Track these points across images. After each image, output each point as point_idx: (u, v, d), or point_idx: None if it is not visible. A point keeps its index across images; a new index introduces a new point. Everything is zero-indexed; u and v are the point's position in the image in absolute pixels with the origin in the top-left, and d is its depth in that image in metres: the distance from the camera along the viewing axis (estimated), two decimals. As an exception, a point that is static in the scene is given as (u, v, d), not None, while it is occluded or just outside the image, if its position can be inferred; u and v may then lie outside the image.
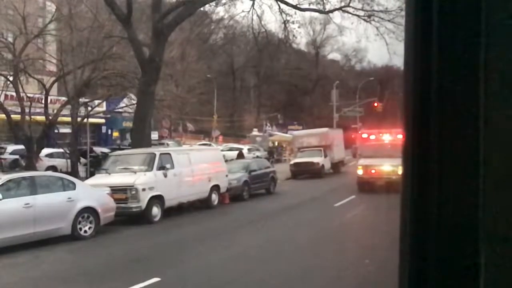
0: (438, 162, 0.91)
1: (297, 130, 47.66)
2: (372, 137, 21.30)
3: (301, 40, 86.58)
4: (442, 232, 0.92)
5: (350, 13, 23.45)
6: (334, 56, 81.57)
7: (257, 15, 40.33)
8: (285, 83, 69.86)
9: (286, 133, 51.96)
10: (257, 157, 31.33)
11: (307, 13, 33.05)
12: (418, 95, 0.93)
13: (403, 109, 0.95)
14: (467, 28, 0.89)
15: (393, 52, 27.03)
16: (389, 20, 22.31)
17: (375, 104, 43.99)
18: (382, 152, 19.04)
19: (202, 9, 29.69)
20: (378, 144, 20.00)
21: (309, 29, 70.51)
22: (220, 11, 62.31)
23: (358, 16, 23.36)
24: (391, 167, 18.11)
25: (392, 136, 20.17)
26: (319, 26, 71.45)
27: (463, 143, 0.90)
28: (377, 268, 7.35)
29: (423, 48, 0.92)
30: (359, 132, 23.58)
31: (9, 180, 10.76)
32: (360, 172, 19.32)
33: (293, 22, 26.30)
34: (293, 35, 28.25)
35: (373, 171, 18.87)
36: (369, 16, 22.93)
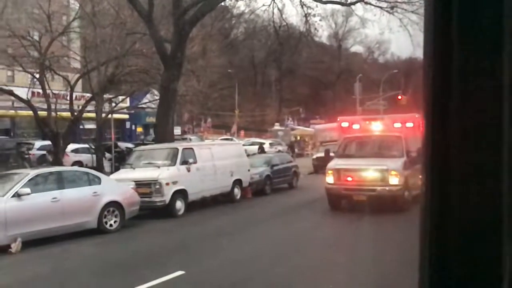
0: (459, 157, 0.89)
1: (319, 124, 47.36)
2: (356, 126, 15.29)
3: (323, 33, 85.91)
4: (464, 232, 0.89)
5: (372, 4, 23.10)
6: (357, 48, 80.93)
7: (278, 9, 40.20)
8: (307, 76, 69.49)
9: (308, 127, 51.73)
10: (279, 151, 31.32)
11: (329, 6, 32.72)
12: (439, 87, 0.91)
13: (423, 102, 0.93)
14: (488, 17, 0.87)
15: (417, 44, 26.55)
16: (412, 11, 21.90)
17: (399, 97, 43.28)
18: (368, 149, 13.78)
19: (222, 4, 29.71)
20: (363, 138, 14.44)
21: (331, 22, 69.97)
22: (241, 6, 62.46)
23: (381, 7, 22.99)
24: (377, 173, 12.44)
25: (385, 126, 14.54)
26: (341, 19, 70.87)
27: (486, 135, 0.88)
28: (399, 265, 7.27)
29: (443, 38, 0.90)
30: (338, 120, 16.63)
31: (37, 175, 11.02)
32: (329, 179, 13.02)
33: (314, 15, 26.03)
34: (315, 28, 28.04)
35: (349, 178, 12.77)
36: (392, 8, 22.53)
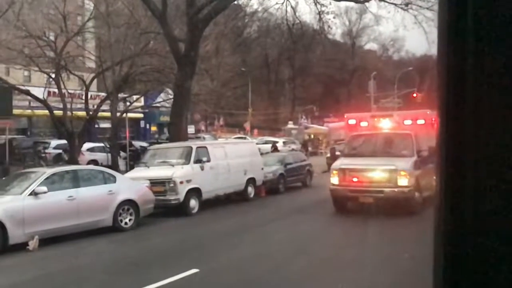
0: (474, 155, 0.88)
1: (333, 122, 47.15)
2: (363, 123, 14.49)
3: (336, 30, 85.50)
4: (480, 229, 0.88)
5: (386, 1, 22.89)
6: (371, 46, 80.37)
7: (291, 7, 39.93)
8: (321, 74, 69.23)
9: (322, 125, 51.55)
10: (293, 150, 31.27)
11: (343, 3, 32.57)
12: (453, 85, 0.90)
13: (437, 100, 0.92)
14: (503, 13, 0.85)
15: (432, 41, 26.15)
16: (427, 8, 21.64)
17: (414, 95, 42.92)
18: (376, 147, 12.86)
19: (236, 2, 29.72)
20: (370, 136, 13.55)
21: (344, 19, 69.65)
22: (254, 4, 62.50)
23: (395, 4, 22.77)
24: (385, 173, 11.73)
25: (395, 123, 13.81)
26: (355, 16, 70.53)
27: (502, 133, 0.86)
28: (416, 262, 7.21)
29: (457, 34, 0.88)
30: (345, 116, 15.64)
31: (54, 174, 11.16)
32: (334, 180, 12.41)
33: (328, 13, 25.89)
34: (328, 26, 27.88)
35: (355, 179, 12.10)
36: (406, 4, 22.31)
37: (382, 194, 11.54)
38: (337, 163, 12.74)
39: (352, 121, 14.90)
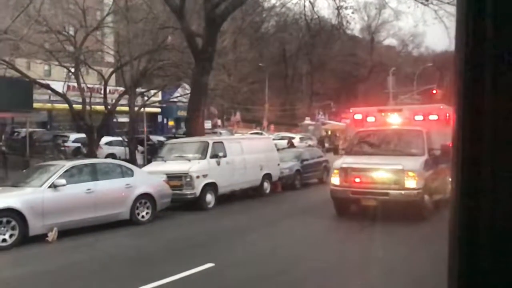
0: (492, 153, 0.86)
1: (351, 118, 46.78)
2: (370, 118, 13.37)
3: (355, 26, 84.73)
4: (495, 229, 0.86)
5: (406, -4, 22.58)
6: (390, 41, 79.49)
7: (310, 2, 39.41)
8: (339, 70, 68.73)
9: (340, 121, 51.25)
10: (309, 146, 31.18)
11: (361, -2, 32.15)
12: (471, 81, 0.88)
13: (454, 97, 0.90)
14: None
15: (453, 36, 25.70)
16: (448, 3, 21.27)
17: (434, 91, 42.34)
18: (382, 145, 11.89)
19: (254, -3, 29.65)
20: (377, 132, 12.49)
21: (363, 15, 68.95)
22: (272, -1, 62.06)
23: (415, -1, 22.43)
24: (390, 173, 10.74)
25: (405, 118, 12.75)
26: (374, 11, 69.70)
27: None
28: (433, 262, 7.14)
29: (475, 30, 0.86)
30: (351, 111, 14.55)
31: (72, 167, 11.32)
32: (335, 180, 11.49)
33: (346, 8, 25.66)
34: (347, 21, 27.67)
35: (357, 179, 11.13)
36: (426, -1, 21.96)
37: (387, 197, 10.57)
38: (339, 162, 11.69)
39: (358, 116, 13.73)
